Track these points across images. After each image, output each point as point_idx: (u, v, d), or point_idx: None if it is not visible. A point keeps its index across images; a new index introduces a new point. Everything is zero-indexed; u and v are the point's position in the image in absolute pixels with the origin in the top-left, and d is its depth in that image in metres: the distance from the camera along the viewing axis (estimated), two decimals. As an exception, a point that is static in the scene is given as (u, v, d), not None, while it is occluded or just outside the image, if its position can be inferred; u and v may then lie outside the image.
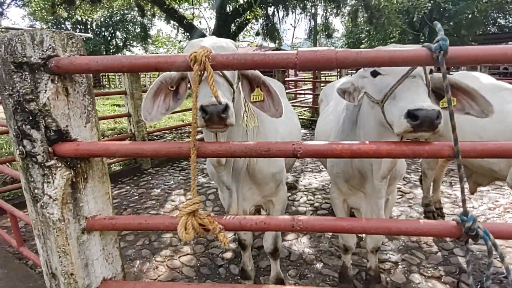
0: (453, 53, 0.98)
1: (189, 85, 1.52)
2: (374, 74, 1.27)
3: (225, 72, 1.27)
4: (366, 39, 16.35)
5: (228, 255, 2.71)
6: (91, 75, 1.27)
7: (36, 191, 1.18)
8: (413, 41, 15.46)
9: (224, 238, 1.10)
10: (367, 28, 14.41)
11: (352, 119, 1.62)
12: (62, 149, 1.15)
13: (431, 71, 1.21)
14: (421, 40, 15.52)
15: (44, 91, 1.09)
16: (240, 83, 1.41)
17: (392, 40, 15.30)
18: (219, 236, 1.12)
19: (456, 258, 2.50)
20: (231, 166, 1.55)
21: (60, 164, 1.16)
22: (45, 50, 1.07)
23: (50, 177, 1.15)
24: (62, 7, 8.73)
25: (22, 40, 1.03)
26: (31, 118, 1.11)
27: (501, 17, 19.98)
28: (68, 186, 1.19)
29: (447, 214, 3.18)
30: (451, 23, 14.21)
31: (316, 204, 3.55)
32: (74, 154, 1.16)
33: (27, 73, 1.06)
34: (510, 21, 21.41)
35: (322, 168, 4.89)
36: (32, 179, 1.17)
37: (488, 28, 19.89)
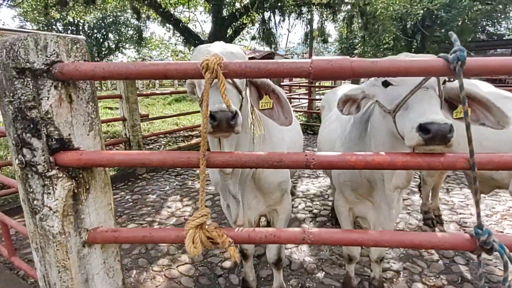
0: (470, 64, 0.97)
1: (194, 90, 1.49)
2: (386, 84, 1.25)
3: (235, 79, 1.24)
4: (359, 44, 16.55)
5: (228, 264, 2.65)
6: (94, 81, 1.23)
7: (35, 202, 1.12)
8: (405, 47, 15.70)
9: (235, 253, 1.06)
10: (361, 34, 14.59)
11: (360, 127, 1.60)
12: (64, 159, 1.10)
13: (444, 81, 1.19)
14: (413, 47, 15.78)
15: (46, 98, 1.05)
16: (247, 90, 1.38)
17: (385, 46, 15.51)
18: (228, 251, 1.08)
19: (457, 266, 2.49)
20: (239, 174, 1.51)
21: (61, 174, 1.12)
22: (49, 56, 1.02)
23: (51, 188, 1.11)
24: (55, 8, 8.60)
25: (25, 45, 0.98)
26: (32, 126, 1.06)
27: (490, 25, 20.46)
28: (69, 197, 1.14)
29: (446, 221, 3.18)
30: (443, 30, 14.49)
31: (315, 211, 3.52)
32: (76, 164, 1.12)
33: (29, 79, 1.01)
34: (498, 29, 21.99)
35: (319, 173, 4.88)
36: (31, 189, 1.12)
37: (478, 36, 20.31)
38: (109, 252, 1.29)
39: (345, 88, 2.74)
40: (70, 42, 1.09)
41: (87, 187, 1.20)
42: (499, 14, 17.63)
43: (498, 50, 20.87)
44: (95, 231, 1.21)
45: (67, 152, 1.11)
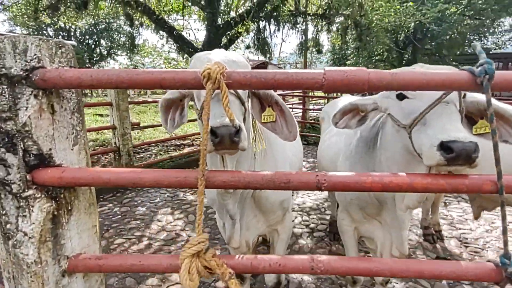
0: (499, 78, 0.89)
1: (191, 103, 1.38)
2: (401, 96, 1.16)
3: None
4: (352, 55, 16.76)
5: (222, 284, 2.50)
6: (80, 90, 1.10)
7: (8, 226, 0.99)
8: (397, 59, 15.96)
9: (236, 287, 0.94)
10: (353, 45, 14.79)
11: (368, 141, 1.50)
12: (43, 177, 0.98)
13: (464, 95, 1.11)
14: (404, 59, 16.05)
15: (25, 108, 0.93)
16: (249, 101, 1.27)
17: (377, 58, 15.75)
18: (229, 284, 0.96)
19: (462, 287, 2.40)
20: (239, 194, 1.39)
21: (39, 195, 0.99)
22: (28, 61, 0.91)
23: (27, 210, 0.97)
24: (45, 13, 8.43)
25: (1, 48, 0.86)
26: (7, 139, 0.93)
27: (477, 39, 21.02)
28: (48, 220, 1.00)
29: (446, 237, 3.10)
30: (433, 43, 14.82)
31: (312, 225, 3.40)
32: (57, 183, 0.99)
33: (5, 86, 0.90)
34: (485, 43, 22.64)
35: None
36: (4, 212, 0.98)
37: (466, 49, 20.83)
38: (92, 281, 1.15)
39: (346, 100, 2.65)
40: (54, 46, 0.97)
41: (69, 208, 1.07)
42: (485, 29, 18.14)
43: (485, 63, 21.38)
44: (76, 259, 1.07)
45: (46, 169, 0.99)
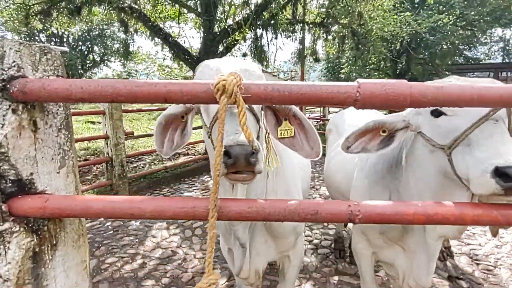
0: None
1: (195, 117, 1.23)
2: (437, 113, 1.03)
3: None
4: (346, 64, 16.83)
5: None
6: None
7: (-22, 267, 0.82)
8: (391, 68, 16.08)
9: None
10: (347, 54, 14.84)
11: (390, 159, 1.36)
12: (22, 206, 0.82)
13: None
14: (398, 68, 16.17)
15: (0, 125, 0.77)
16: (263, 115, 1.13)
17: (371, 67, 15.85)
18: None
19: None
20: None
21: (17, 228, 0.83)
22: (6, 69, 0.76)
23: (2, 247, 0.82)
24: (37, 19, 8.23)
25: (-30, 54, 0.71)
26: (-23, 164, 0.77)
27: (467, 49, 21.43)
28: (27, 259, 0.84)
29: (456, 253, 2.97)
30: (427, 53, 14.99)
31: (316, 241, 3.24)
32: (40, 214, 0.83)
33: (-26, 100, 0.74)
34: (475, 53, 23.12)
35: (315, 197, 4.63)
36: (-27, 249, 0.81)
37: (456, 59, 21.18)
38: (80, 327, 0.98)
39: (352, 111, 2.51)
40: (38, 52, 0.82)
41: (54, 242, 0.91)
42: (475, 40, 18.46)
43: (475, 73, 21.88)
44: (62, 303, 0.90)
45: (26, 198, 0.83)
